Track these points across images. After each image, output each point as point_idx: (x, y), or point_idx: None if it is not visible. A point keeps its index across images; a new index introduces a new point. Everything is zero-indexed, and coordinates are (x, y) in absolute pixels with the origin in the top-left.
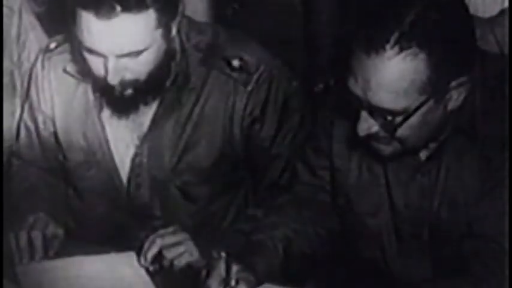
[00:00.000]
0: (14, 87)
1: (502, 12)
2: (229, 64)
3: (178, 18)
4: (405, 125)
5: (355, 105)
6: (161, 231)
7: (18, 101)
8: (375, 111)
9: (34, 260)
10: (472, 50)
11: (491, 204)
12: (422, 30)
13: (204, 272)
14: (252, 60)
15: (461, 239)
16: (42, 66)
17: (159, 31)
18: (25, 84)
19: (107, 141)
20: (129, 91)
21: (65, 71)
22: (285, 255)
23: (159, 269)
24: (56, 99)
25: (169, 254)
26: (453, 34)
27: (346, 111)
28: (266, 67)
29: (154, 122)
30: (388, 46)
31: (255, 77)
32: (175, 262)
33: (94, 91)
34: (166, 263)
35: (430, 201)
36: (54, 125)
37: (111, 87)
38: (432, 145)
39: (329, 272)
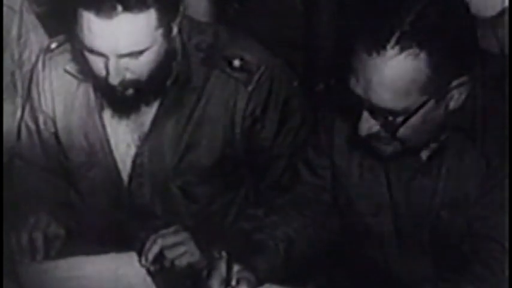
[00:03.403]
0: (15, 87)
1: (502, 11)
2: (230, 64)
3: (179, 18)
4: (406, 125)
5: (356, 105)
6: (162, 231)
7: (19, 101)
8: (376, 111)
9: (35, 260)
10: (473, 50)
11: (492, 204)
12: (423, 30)
13: (205, 272)
14: (253, 60)
15: (462, 239)
16: (43, 66)
17: (160, 31)
18: (26, 84)
19: (108, 141)
20: (130, 91)
21: (65, 70)
22: (285, 255)
23: (160, 269)
24: (57, 99)
25: (170, 254)
26: (454, 34)
27: (347, 111)
28: (267, 67)
29: (156, 122)
30: (389, 46)
31: (256, 76)
32: (176, 262)
33: (95, 91)
34: (167, 263)
35: (430, 200)
36: (55, 125)
37: (112, 87)
38: (433, 145)
39: (330, 272)
